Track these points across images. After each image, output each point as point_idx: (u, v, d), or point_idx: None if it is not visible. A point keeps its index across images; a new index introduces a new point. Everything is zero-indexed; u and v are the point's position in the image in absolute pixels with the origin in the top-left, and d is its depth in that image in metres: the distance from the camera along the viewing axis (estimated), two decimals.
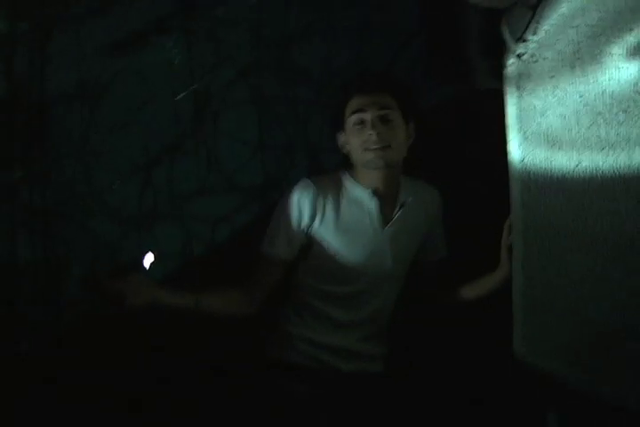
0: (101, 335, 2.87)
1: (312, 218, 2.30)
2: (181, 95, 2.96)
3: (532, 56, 2.09)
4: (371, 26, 3.05)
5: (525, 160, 2.12)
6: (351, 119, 2.29)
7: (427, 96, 2.94)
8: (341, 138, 2.36)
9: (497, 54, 2.17)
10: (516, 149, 2.12)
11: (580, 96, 2.06)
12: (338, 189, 2.34)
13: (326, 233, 2.31)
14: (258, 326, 2.40)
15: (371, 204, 2.33)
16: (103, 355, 2.80)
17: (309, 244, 2.32)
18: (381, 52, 3.05)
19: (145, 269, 2.09)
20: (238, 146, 3.10)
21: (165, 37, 3.09)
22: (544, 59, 2.08)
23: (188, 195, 3.12)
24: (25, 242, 3.12)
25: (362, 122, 2.29)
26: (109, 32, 3.11)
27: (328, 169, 2.81)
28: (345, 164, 2.40)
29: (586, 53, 2.05)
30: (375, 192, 2.33)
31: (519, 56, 2.10)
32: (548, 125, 2.09)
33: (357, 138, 2.28)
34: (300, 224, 2.30)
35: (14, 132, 3.13)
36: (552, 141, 2.09)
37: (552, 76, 2.08)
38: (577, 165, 2.07)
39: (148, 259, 2.09)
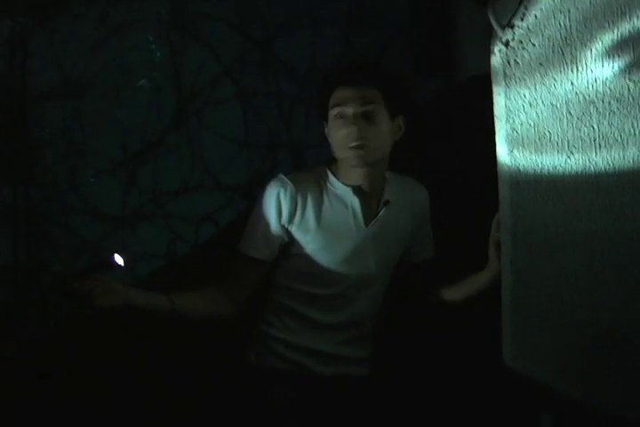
0: (82, 337, 2.70)
1: (291, 216, 2.08)
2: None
3: (519, 43, 1.88)
4: (357, 19, 2.86)
5: (514, 152, 1.91)
6: (332, 112, 2.05)
7: (415, 91, 2.74)
8: (326, 128, 2.14)
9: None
10: (503, 141, 1.92)
11: (571, 84, 1.85)
12: (319, 186, 2.13)
13: (306, 232, 2.07)
14: (237, 328, 2.19)
15: (354, 201, 2.10)
16: (84, 356, 2.63)
17: (289, 243, 2.11)
18: (368, 46, 2.85)
19: (114, 269, 1.89)
20: (223, 143, 2.91)
21: (147, 34, 2.91)
22: (533, 45, 1.87)
23: (171, 193, 2.93)
24: (7, 242, 2.96)
25: (342, 116, 2.04)
26: (91, 28, 2.93)
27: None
28: (330, 160, 2.19)
29: (577, 39, 1.84)
30: (358, 189, 2.12)
31: (506, 43, 1.89)
32: (537, 116, 1.88)
33: (337, 133, 2.05)
34: (278, 223, 2.08)
35: None
36: (542, 132, 1.88)
37: (541, 64, 1.87)
38: (568, 158, 1.87)
39: (118, 260, 1.89)
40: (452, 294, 2.19)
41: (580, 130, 1.85)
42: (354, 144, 2.02)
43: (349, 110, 2.04)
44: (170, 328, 2.22)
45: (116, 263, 1.89)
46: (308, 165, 2.72)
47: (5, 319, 2.96)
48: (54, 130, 2.97)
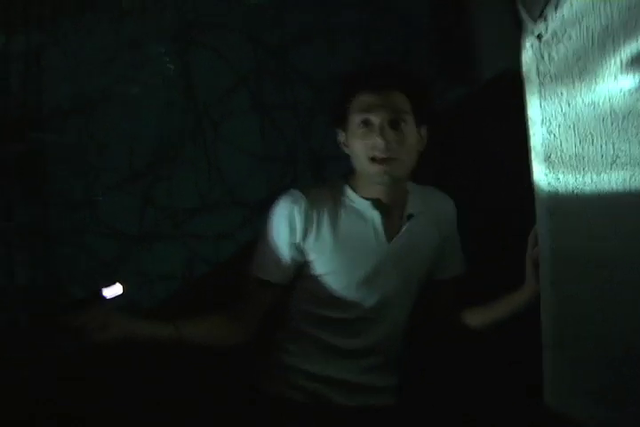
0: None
1: (305, 234, 1.78)
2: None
3: (553, 36, 1.57)
4: (374, 26, 2.56)
5: (552, 158, 1.60)
6: (356, 119, 1.75)
7: (438, 98, 2.44)
8: (342, 136, 1.84)
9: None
10: (539, 146, 1.60)
11: (614, 79, 1.54)
12: (335, 200, 1.81)
13: (322, 251, 1.77)
14: (250, 356, 1.89)
15: (374, 215, 1.80)
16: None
17: (304, 264, 1.81)
18: (388, 52, 2.55)
19: (111, 300, 1.61)
20: (241, 157, 2.63)
21: (160, 46, 2.65)
22: (569, 38, 1.56)
23: (188, 211, 2.65)
24: (23, 261, 2.70)
25: (368, 124, 1.74)
26: (104, 42, 2.67)
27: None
28: (347, 172, 1.89)
29: (619, 28, 1.53)
30: (378, 202, 1.80)
31: (539, 37, 1.58)
32: (576, 116, 1.57)
33: (361, 142, 1.74)
34: (290, 242, 1.77)
35: (10, 148, 2.72)
36: (583, 134, 1.57)
37: (579, 58, 1.56)
38: (614, 162, 1.55)
39: (115, 290, 1.61)
40: (484, 315, 1.87)
41: (626, 130, 1.53)
42: (382, 156, 1.73)
43: (377, 118, 1.74)
44: (177, 357, 1.92)
45: (112, 294, 1.60)
46: (330, 178, 2.42)
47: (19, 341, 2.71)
48: (69, 146, 2.72)
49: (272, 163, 2.62)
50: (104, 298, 1.61)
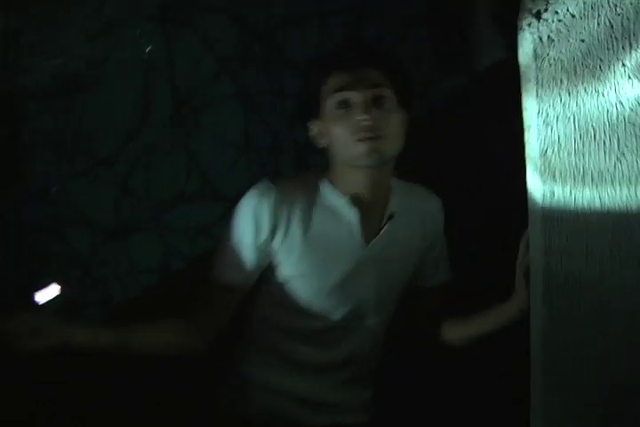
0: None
1: (272, 233, 1.54)
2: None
3: (554, 14, 1.33)
4: (367, 9, 2.32)
5: (548, 153, 1.36)
6: (332, 100, 1.50)
7: (431, 87, 2.20)
8: (315, 128, 1.59)
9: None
10: (534, 139, 1.37)
11: (623, 65, 1.29)
12: (309, 196, 1.55)
13: (291, 252, 1.53)
14: (207, 368, 1.66)
15: (351, 214, 1.55)
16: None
17: (270, 266, 1.58)
18: (381, 37, 2.31)
19: (46, 304, 1.39)
20: (221, 147, 2.41)
21: (140, 28, 2.42)
22: (572, 17, 1.32)
23: (165, 202, 2.44)
24: None
25: (347, 104, 1.49)
26: (84, 24, 2.45)
27: None
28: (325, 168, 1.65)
29: (630, 7, 1.29)
30: (357, 199, 1.57)
31: (538, 15, 1.34)
32: (577, 107, 1.33)
33: (342, 125, 1.49)
34: (256, 240, 1.52)
35: None
36: (584, 127, 1.33)
37: (582, 40, 1.32)
38: (618, 160, 1.31)
39: (50, 292, 1.39)
40: (467, 328, 1.63)
41: (633, 124, 1.29)
42: (369, 135, 1.48)
43: (357, 95, 1.49)
44: (127, 367, 1.70)
45: (46, 298, 1.39)
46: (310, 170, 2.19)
47: None
48: (45, 132, 2.51)
49: (254, 153, 2.40)
50: (37, 303, 1.39)
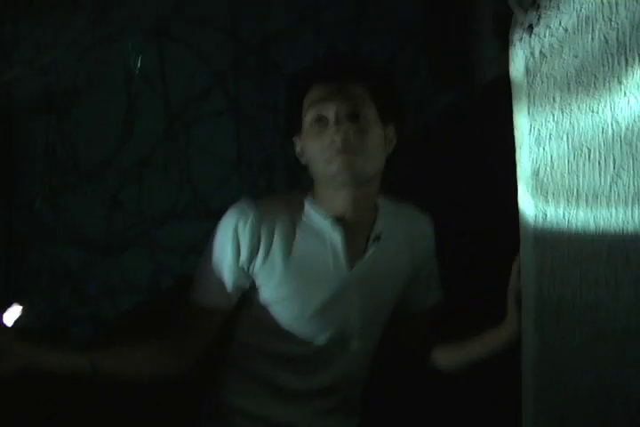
0: None
1: (251, 254, 1.45)
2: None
3: (547, 28, 1.26)
4: (364, 22, 2.26)
5: (540, 174, 1.28)
6: (309, 116, 1.44)
7: (427, 102, 2.13)
8: (298, 144, 1.52)
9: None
10: (526, 159, 1.30)
11: (619, 82, 1.23)
12: (292, 215, 1.48)
13: (271, 275, 1.45)
14: (186, 393, 1.59)
15: (333, 235, 1.47)
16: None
17: (251, 288, 1.51)
18: (377, 52, 2.25)
19: (5, 326, 1.32)
20: (213, 162, 2.35)
21: (134, 41, 2.37)
22: (565, 31, 1.26)
23: (157, 218, 2.37)
24: None
25: (322, 119, 1.42)
26: (78, 37, 2.40)
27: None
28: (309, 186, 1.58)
29: (626, 21, 1.22)
30: (340, 220, 1.48)
31: (529, 29, 1.28)
32: (571, 125, 1.26)
33: (317, 142, 1.42)
34: (235, 263, 1.45)
35: None
36: (578, 147, 1.26)
37: (576, 56, 1.25)
38: (613, 180, 1.24)
39: (12, 313, 1.32)
40: (460, 353, 1.56)
41: (630, 144, 1.22)
42: (339, 152, 1.40)
43: (330, 111, 1.42)
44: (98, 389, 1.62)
45: (3, 325, 1.32)
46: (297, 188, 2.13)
47: None
48: (36, 146, 2.45)
49: (247, 169, 2.34)
50: (3, 325, 1.33)
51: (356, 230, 1.50)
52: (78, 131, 2.37)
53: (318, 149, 1.42)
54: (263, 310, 1.48)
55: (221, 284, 1.46)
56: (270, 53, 2.29)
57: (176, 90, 2.33)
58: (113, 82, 2.34)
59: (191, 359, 1.49)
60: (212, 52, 2.30)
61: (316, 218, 1.48)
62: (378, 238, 1.51)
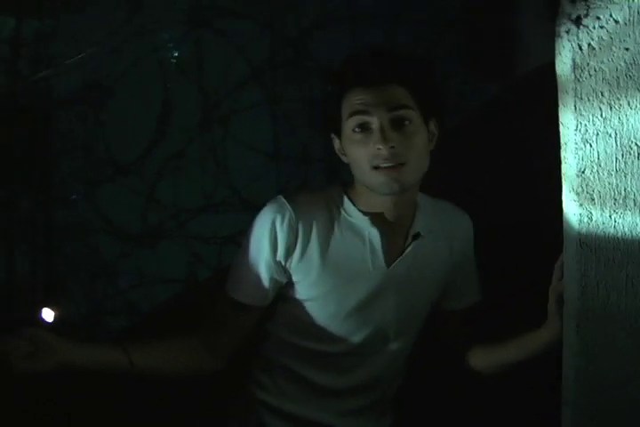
0: None
1: (288, 251, 1.42)
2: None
3: (596, 20, 1.19)
4: (402, 14, 2.19)
5: (586, 173, 1.22)
6: (350, 122, 1.38)
7: (467, 96, 2.06)
8: (337, 143, 1.47)
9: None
10: (571, 157, 1.23)
11: None
12: (329, 212, 1.44)
13: (308, 271, 1.42)
14: (219, 390, 1.56)
15: (372, 233, 1.43)
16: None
17: (288, 284, 1.47)
18: (415, 44, 2.18)
19: (45, 322, 1.31)
20: (249, 155, 2.31)
21: (170, 33, 2.34)
22: (615, 22, 1.18)
23: (192, 211, 2.35)
24: (24, 258, 2.45)
25: (365, 128, 1.37)
26: (115, 29, 2.37)
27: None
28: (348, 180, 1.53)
29: None
30: (379, 218, 1.44)
31: (577, 21, 1.21)
32: (620, 122, 1.19)
33: (360, 150, 1.37)
34: (272, 259, 1.42)
35: (15, 140, 2.46)
36: (627, 145, 1.19)
37: (626, 49, 1.18)
38: None
39: (46, 316, 1.31)
40: (497, 356, 1.50)
41: None
42: (387, 164, 1.36)
43: (375, 120, 1.36)
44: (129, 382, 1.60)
45: (43, 320, 1.30)
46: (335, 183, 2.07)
47: None
48: (72, 138, 2.44)
49: (283, 162, 2.29)
50: (43, 321, 1.31)
51: (394, 228, 1.46)
52: (115, 123, 2.36)
53: (363, 156, 1.37)
54: (299, 306, 1.45)
55: (258, 280, 1.43)
56: (307, 45, 2.24)
57: (212, 82, 2.29)
58: (149, 74, 2.31)
59: (225, 355, 1.46)
60: (248, 43, 2.26)
61: (356, 215, 1.44)
62: (417, 236, 1.46)
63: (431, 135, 1.43)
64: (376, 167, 1.37)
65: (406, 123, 1.37)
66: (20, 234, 2.46)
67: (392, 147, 1.35)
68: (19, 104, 2.43)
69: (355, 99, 1.38)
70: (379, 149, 1.35)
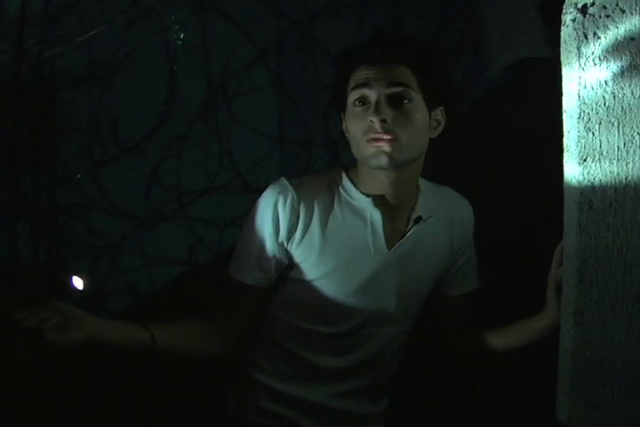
0: None
1: (290, 232, 1.44)
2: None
3: (602, 9, 1.20)
4: None
5: (587, 162, 1.23)
6: (352, 96, 1.42)
7: (472, 81, 2.07)
8: (343, 122, 1.50)
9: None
10: (573, 145, 1.24)
11: None
12: (330, 194, 1.46)
13: (309, 252, 1.44)
14: (216, 370, 1.58)
15: (374, 214, 1.45)
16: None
17: (290, 265, 1.49)
18: (423, 29, 2.18)
19: (76, 293, 1.33)
20: (254, 138, 2.32)
21: (175, 14, 2.33)
22: (621, 12, 1.19)
23: (195, 192, 2.36)
24: (25, 237, 2.46)
25: (365, 102, 1.41)
26: (119, 9, 2.37)
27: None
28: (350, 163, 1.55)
29: None
30: (381, 200, 1.47)
31: (583, 10, 1.21)
32: (623, 111, 1.20)
33: (357, 123, 1.40)
34: (274, 240, 1.44)
35: (19, 118, 2.46)
36: (629, 135, 1.20)
37: (632, 38, 1.19)
38: None
39: (76, 284, 1.33)
40: (495, 341, 1.52)
41: None
42: (376, 137, 1.38)
43: (373, 93, 1.40)
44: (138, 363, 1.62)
45: (75, 289, 1.32)
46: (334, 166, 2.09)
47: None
48: (78, 119, 2.45)
49: (287, 146, 2.30)
50: (74, 289, 1.33)
51: (396, 211, 1.47)
52: (120, 104, 2.36)
53: (359, 129, 1.40)
54: (299, 287, 1.47)
55: (260, 261, 1.45)
56: (313, 29, 2.24)
57: (218, 64, 2.29)
58: (155, 55, 2.31)
59: (234, 337, 1.49)
60: (254, 26, 2.26)
61: (357, 196, 1.46)
62: (419, 220, 1.48)
63: (435, 122, 1.44)
64: (368, 141, 1.39)
65: (405, 102, 1.39)
66: (22, 213, 2.47)
67: (383, 120, 1.37)
68: (24, 83, 2.43)
69: (359, 74, 1.42)
70: (371, 121, 1.38)
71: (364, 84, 1.39)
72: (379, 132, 1.37)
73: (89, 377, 1.86)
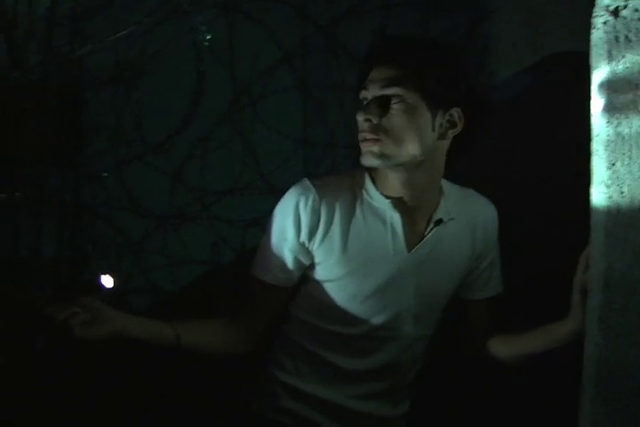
0: None
1: (312, 232, 1.43)
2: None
3: (634, 11, 1.18)
4: (435, 2, 2.18)
5: (617, 166, 1.21)
6: (358, 98, 1.45)
7: (502, 86, 2.05)
8: None
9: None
10: (602, 150, 1.22)
11: None
12: (352, 195, 1.45)
13: (330, 253, 1.43)
14: (238, 370, 1.57)
15: (394, 216, 1.44)
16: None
17: (310, 266, 1.48)
18: (448, 32, 2.17)
19: (104, 291, 1.33)
20: (278, 140, 2.32)
21: (203, 16, 2.34)
22: None
23: (219, 193, 2.37)
24: (50, 235, 2.48)
25: (363, 102, 1.43)
26: (147, 10, 2.38)
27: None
28: None
29: None
30: (400, 202, 1.45)
31: (615, 12, 1.19)
32: None
33: (358, 124, 1.42)
34: (296, 241, 1.44)
35: (47, 117, 2.48)
36: None
37: None
38: None
39: (105, 282, 1.33)
40: (519, 346, 1.50)
41: None
42: (362, 136, 1.39)
43: (368, 94, 1.41)
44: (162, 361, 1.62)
45: (104, 286, 1.33)
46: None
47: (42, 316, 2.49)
48: (103, 118, 2.46)
49: (311, 147, 2.30)
50: (102, 287, 1.34)
51: (416, 213, 1.46)
52: (146, 104, 2.37)
53: (359, 129, 1.42)
54: (319, 288, 1.46)
55: (282, 261, 1.45)
56: (338, 32, 2.24)
57: (243, 65, 2.30)
58: (181, 56, 2.32)
59: (256, 336, 1.49)
60: (280, 28, 2.26)
61: (377, 198, 1.45)
62: (439, 222, 1.46)
63: (448, 124, 1.42)
64: (360, 140, 1.41)
65: (394, 101, 1.38)
66: (47, 211, 2.48)
67: (368, 120, 1.38)
68: (52, 82, 2.44)
69: (367, 76, 1.43)
70: (358, 120, 1.39)
71: (364, 87, 1.41)
72: (365, 132, 1.38)
73: (91, 377, 1.86)
